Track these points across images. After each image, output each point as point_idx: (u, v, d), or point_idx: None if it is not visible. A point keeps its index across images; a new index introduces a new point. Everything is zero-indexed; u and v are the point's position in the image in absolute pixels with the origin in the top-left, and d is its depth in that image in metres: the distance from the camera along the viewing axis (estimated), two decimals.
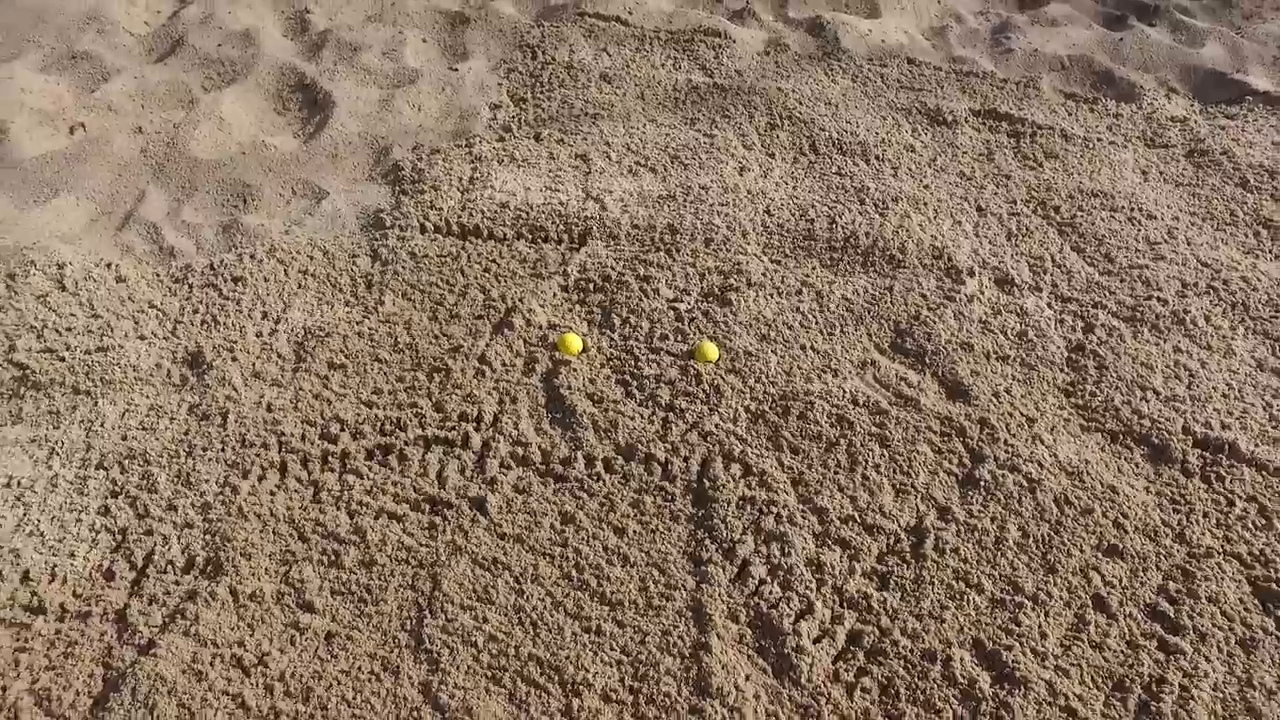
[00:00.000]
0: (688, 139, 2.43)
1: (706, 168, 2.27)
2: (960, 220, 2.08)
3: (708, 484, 1.32)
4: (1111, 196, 2.23)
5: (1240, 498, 1.36)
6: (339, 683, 1.07)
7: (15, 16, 3.17)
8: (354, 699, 1.05)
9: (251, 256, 1.98)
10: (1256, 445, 1.45)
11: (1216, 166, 2.44)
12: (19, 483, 1.42)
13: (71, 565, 1.27)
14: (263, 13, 3.26)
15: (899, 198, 2.15)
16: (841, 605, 1.15)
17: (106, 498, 1.39)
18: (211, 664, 1.10)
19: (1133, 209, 2.18)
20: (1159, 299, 1.82)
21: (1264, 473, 1.40)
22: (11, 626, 1.16)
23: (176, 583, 1.23)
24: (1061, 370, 1.62)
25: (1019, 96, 2.83)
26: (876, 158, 2.37)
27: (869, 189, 2.19)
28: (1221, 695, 1.07)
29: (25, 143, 2.44)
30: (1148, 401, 1.54)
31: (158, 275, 1.98)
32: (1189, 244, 2.04)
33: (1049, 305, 1.79)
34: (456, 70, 2.80)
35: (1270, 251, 2.06)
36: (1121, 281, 1.88)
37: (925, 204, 2.13)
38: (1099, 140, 2.57)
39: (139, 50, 3.08)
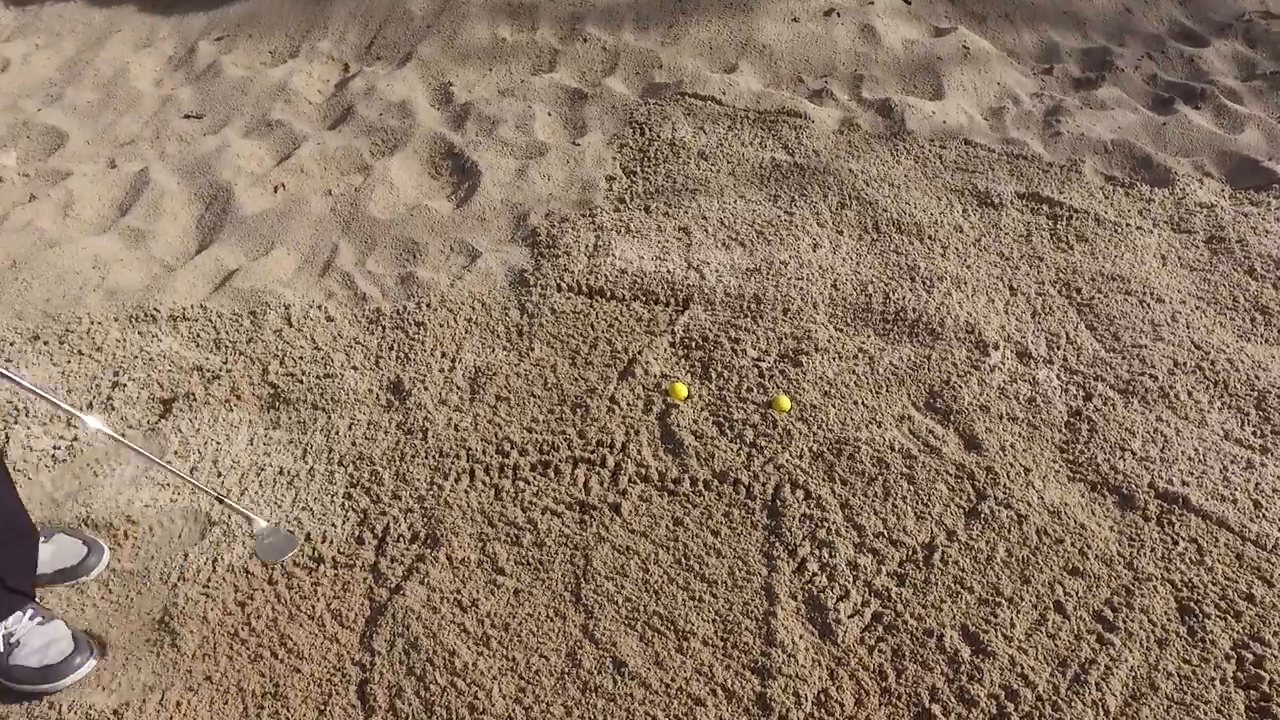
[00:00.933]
0: (771, 215, 2.93)
1: (786, 244, 2.77)
2: (994, 298, 2.54)
3: (778, 503, 1.83)
4: (1128, 280, 2.65)
5: (1184, 539, 1.80)
6: (526, 621, 1.61)
7: (223, 88, 3.88)
8: (537, 631, 1.59)
9: (427, 305, 2.57)
10: (1206, 500, 1.89)
11: (1229, 254, 2.83)
12: (288, 472, 2.02)
13: (334, 531, 1.85)
14: (414, 84, 3.89)
15: (944, 276, 2.62)
16: (870, 595, 1.64)
17: (349, 487, 1.97)
18: (440, 604, 1.65)
19: (1144, 292, 2.60)
20: (1151, 375, 2.25)
21: (1207, 521, 1.84)
22: (305, 568, 1.73)
23: (407, 549, 1.79)
24: (1059, 431, 2.07)
25: (1061, 180, 3.25)
26: (929, 237, 2.84)
27: (919, 267, 2.66)
28: (1134, 675, 1.52)
29: (246, 202, 3.10)
30: (1124, 460, 1.98)
31: (356, 316, 2.58)
32: (1188, 327, 2.45)
33: (1057, 376, 2.24)
34: (578, 145, 3.37)
35: (1260, 336, 2.46)
36: (1122, 359, 2.32)
37: (965, 282, 2.60)
38: (1128, 225, 2.98)
39: (317, 117, 3.75)
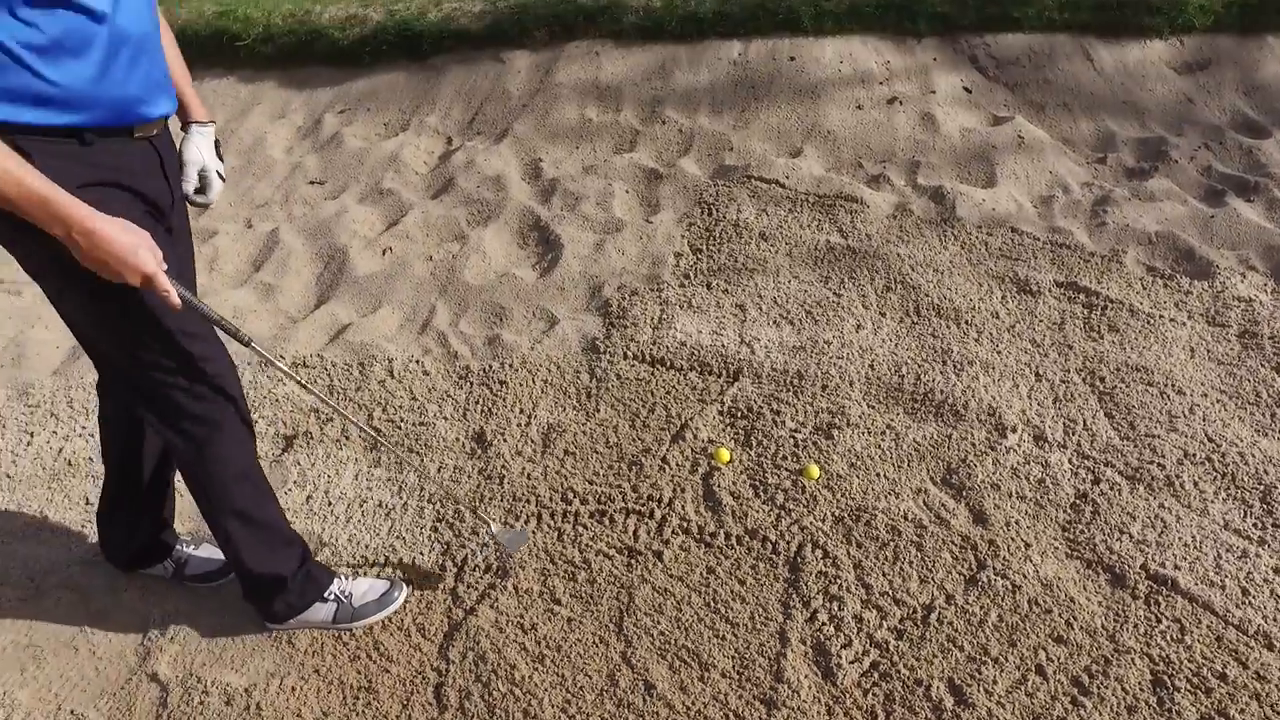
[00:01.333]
0: (820, 296, 3.23)
1: (832, 323, 3.06)
2: (1019, 384, 2.77)
3: (799, 560, 2.11)
4: (1152, 371, 2.83)
5: (1168, 618, 1.99)
6: (576, 645, 1.92)
7: (343, 158, 4.41)
8: (584, 654, 1.90)
9: (510, 365, 2.94)
10: (1195, 583, 2.07)
11: (1259, 349, 2.98)
12: (385, 505, 2.39)
13: (422, 559, 2.20)
14: (508, 159, 4.35)
15: (974, 361, 2.86)
16: (870, 645, 1.89)
17: (436, 521, 2.33)
18: (505, 625, 1.98)
19: (1166, 384, 2.78)
20: (1159, 464, 2.44)
21: (1193, 604, 2.03)
22: (398, 584, 2.09)
23: (481, 578, 2.13)
24: (1064, 511, 2.28)
25: (1101, 270, 3.44)
26: (966, 322, 3.08)
27: (952, 351, 2.91)
28: None
29: (359, 263, 3.57)
30: (1121, 541, 2.18)
31: (448, 372, 2.97)
32: (1204, 420, 2.63)
33: (1069, 460, 2.46)
34: (651, 222, 3.74)
35: (1273, 431, 2.61)
36: (1134, 446, 2.51)
37: (994, 367, 2.83)
38: (1161, 316, 3.15)
39: (422, 187, 4.23)
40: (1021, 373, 2.83)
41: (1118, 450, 2.50)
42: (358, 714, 1.77)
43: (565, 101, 4.63)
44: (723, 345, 2.95)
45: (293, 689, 1.81)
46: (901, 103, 4.57)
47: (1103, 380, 2.80)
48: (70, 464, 2.53)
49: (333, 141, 4.64)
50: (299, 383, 1.87)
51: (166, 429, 1.67)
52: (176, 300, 1.49)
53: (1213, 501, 2.33)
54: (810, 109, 4.51)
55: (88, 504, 2.35)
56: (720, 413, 2.65)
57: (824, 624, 1.93)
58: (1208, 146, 4.49)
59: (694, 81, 4.68)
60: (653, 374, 2.84)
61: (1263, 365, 2.90)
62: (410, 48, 5.01)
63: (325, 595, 1.94)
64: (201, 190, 1.75)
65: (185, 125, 1.75)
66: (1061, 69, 4.83)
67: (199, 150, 1.72)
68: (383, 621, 1.96)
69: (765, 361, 2.86)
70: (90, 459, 2.54)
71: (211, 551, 2.09)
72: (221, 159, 1.81)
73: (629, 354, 2.94)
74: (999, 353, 2.92)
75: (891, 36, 4.88)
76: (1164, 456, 2.47)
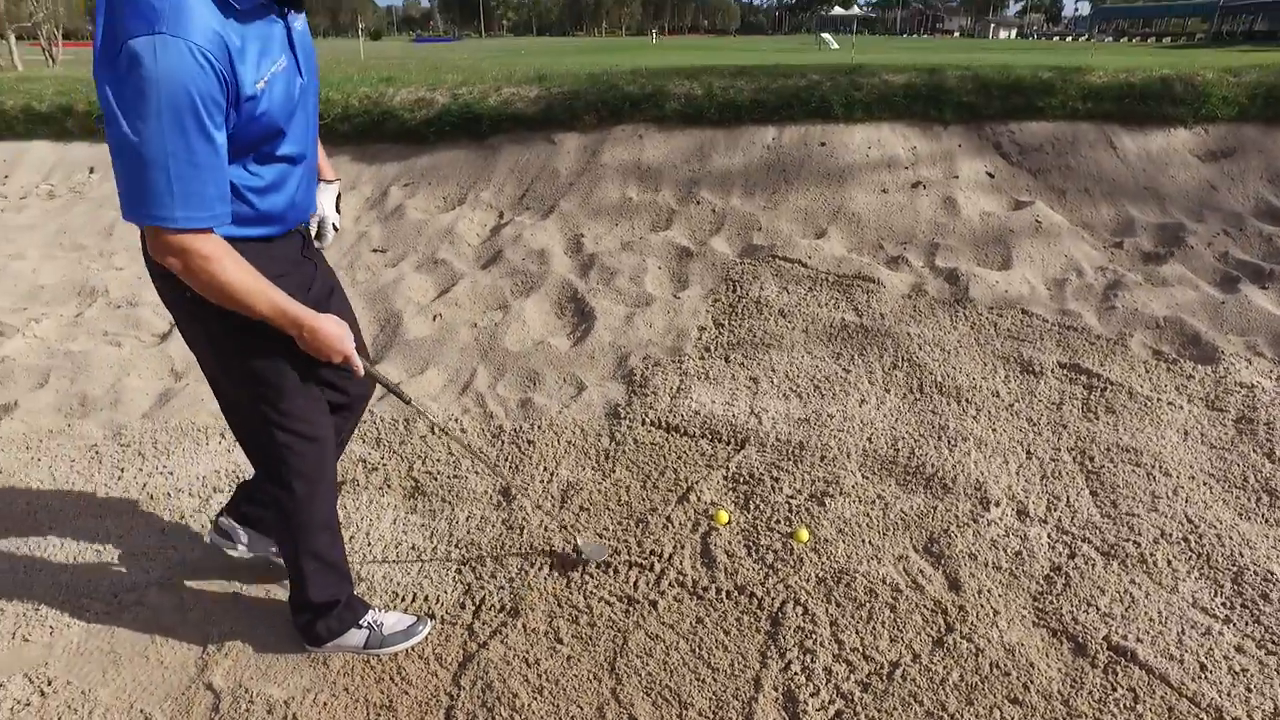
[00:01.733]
0: (830, 371, 3.46)
1: (837, 398, 3.29)
2: (1009, 460, 2.94)
3: (781, 615, 2.31)
4: (1141, 453, 2.98)
5: (1123, 687, 2.13)
6: (573, 680, 2.16)
7: (404, 228, 4.85)
8: (579, 688, 2.13)
9: (538, 426, 3.24)
10: (1154, 656, 2.21)
11: (1253, 434, 3.10)
12: (417, 548, 2.68)
13: (445, 596, 2.47)
14: (553, 233, 4.72)
15: (969, 437, 3.05)
16: (836, 696, 2.09)
17: (460, 565, 2.61)
18: (513, 659, 2.23)
19: (1154, 465, 2.92)
20: (1134, 542, 2.58)
21: (1150, 675, 2.16)
22: (423, 619, 2.36)
23: (495, 616, 2.39)
24: (1036, 582, 2.45)
25: (1106, 352, 3.60)
26: (966, 399, 3.28)
27: (949, 427, 3.10)
28: None
29: (411, 327, 3.94)
30: (1088, 613, 2.33)
31: (483, 430, 3.28)
32: (1186, 501, 2.76)
33: (1048, 535, 2.62)
34: (679, 298, 4.04)
35: (1260, 516, 2.72)
36: (1113, 524, 2.66)
37: (987, 444, 3.02)
38: (1159, 400, 3.30)
39: (473, 257, 4.62)
40: (1013, 449, 3.00)
41: (1096, 527, 2.65)
42: None
43: (609, 181, 5.01)
44: (733, 415, 3.20)
45: (324, 703, 2.08)
46: (925, 187, 4.82)
47: (1092, 459, 2.96)
48: (152, 497, 2.89)
49: (396, 213, 5.09)
50: (461, 443, 2.21)
51: (275, 483, 2.04)
52: (361, 371, 1.94)
53: (1184, 580, 2.46)
54: (837, 192, 4.79)
55: (163, 533, 2.69)
56: (724, 478, 2.89)
57: (796, 673, 2.13)
58: (1227, 233, 4.61)
59: (729, 164, 5.02)
60: (667, 439, 3.10)
61: (1254, 450, 3.02)
62: (471, 128, 5.48)
63: (360, 623, 2.23)
64: (319, 236, 2.13)
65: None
66: (1084, 155, 5.03)
67: (322, 204, 2.13)
68: (406, 650, 2.23)
69: (771, 431, 3.10)
70: (168, 494, 2.90)
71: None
72: (339, 211, 2.21)
73: (647, 420, 3.21)
74: (994, 430, 3.10)
75: (919, 123, 5.17)
76: (1141, 535, 2.61)
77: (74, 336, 4.09)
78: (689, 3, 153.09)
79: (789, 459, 2.96)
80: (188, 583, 2.48)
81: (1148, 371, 3.49)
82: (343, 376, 2.11)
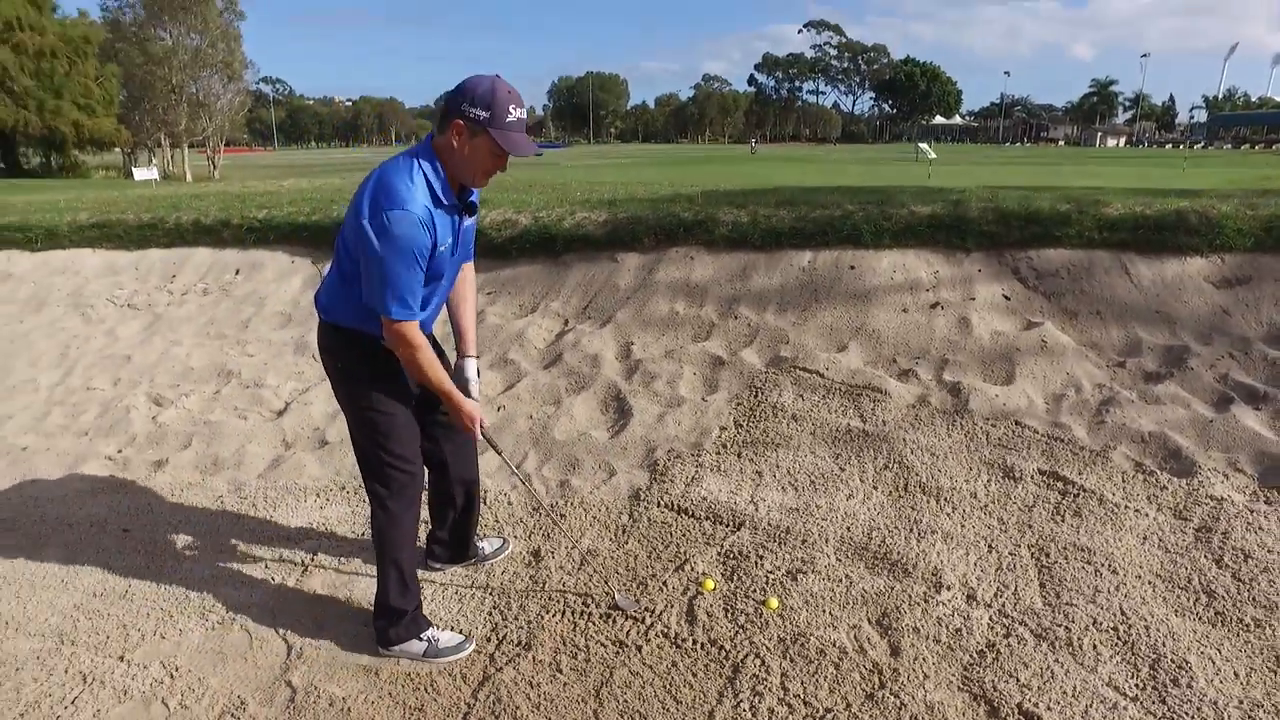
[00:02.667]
0: (828, 469, 3.97)
1: (828, 492, 3.78)
2: (970, 552, 3.36)
3: (741, 665, 2.80)
4: (1094, 553, 3.34)
5: None
6: (564, 701, 2.70)
7: (483, 332, 5.67)
8: (568, 709, 2.67)
9: (571, 503, 3.86)
10: None
11: (1208, 542, 3.41)
12: (459, 593, 3.30)
13: (475, 631, 3.07)
14: (607, 341, 5.43)
15: (938, 531, 3.48)
16: None
17: (492, 608, 3.20)
18: (519, 682, 2.79)
19: (1104, 564, 3.28)
20: (1065, 628, 2.95)
21: None
22: (470, 638, 2.95)
23: (512, 649, 2.96)
24: (969, 655, 2.85)
25: (1086, 462, 3.96)
26: (944, 499, 3.72)
27: (922, 522, 3.55)
28: None
29: None
30: (1008, 683, 2.72)
31: (525, 503, 3.92)
32: (1125, 596, 3.11)
33: (990, 617, 3.02)
34: (706, 401, 4.64)
35: (1193, 614, 3.04)
36: (1051, 611, 3.04)
37: (953, 538, 3.44)
38: (1126, 507, 3.64)
39: (537, 359, 5.37)
40: (976, 543, 3.42)
41: (1036, 613, 3.04)
42: None
43: (660, 295, 5.73)
44: (735, 502, 3.74)
45: (373, 702, 2.69)
46: (943, 307, 5.32)
47: (1047, 555, 3.34)
48: (260, 540, 3.64)
49: (479, 318, 5.93)
50: (549, 513, 2.92)
51: (377, 501, 2.83)
52: (480, 437, 2.92)
53: (1105, 662, 2.82)
54: (861, 310, 5.35)
55: (265, 567, 3.42)
56: (718, 553, 3.42)
57: (745, 712, 2.61)
58: (1231, 355, 4.91)
59: (767, 283, 5.67)
60: (676, 519, 3.66)
61: (1205, 556, 3.34)
62: (547, 246, 6.33)
63: (421, 636, 2.90)
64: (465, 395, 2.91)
65: (463, 355, 3.08)
66: (1099, 281, 5.44)
67: (466, 370, 3.02)
68: (440, 666, 2.84)
69: (765, 517, 3.62)
70: (273, 538, 3.64)
71: (491, 544, 3.46)
72: (479, 377, 3.06)
73: (662, 503, 3.78)
74: (963, 525, 3.53)
75: (942, 250, 5.71)
76: (1074, 621, 2.98)
77: (212, 409, 5.00)
78: (790, 112, 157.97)
79: (775, 540, 3.46)
80: (279, 605, 3.17)
81: (1124, 481, 3.83)
82: (445, 437, 3.09)
